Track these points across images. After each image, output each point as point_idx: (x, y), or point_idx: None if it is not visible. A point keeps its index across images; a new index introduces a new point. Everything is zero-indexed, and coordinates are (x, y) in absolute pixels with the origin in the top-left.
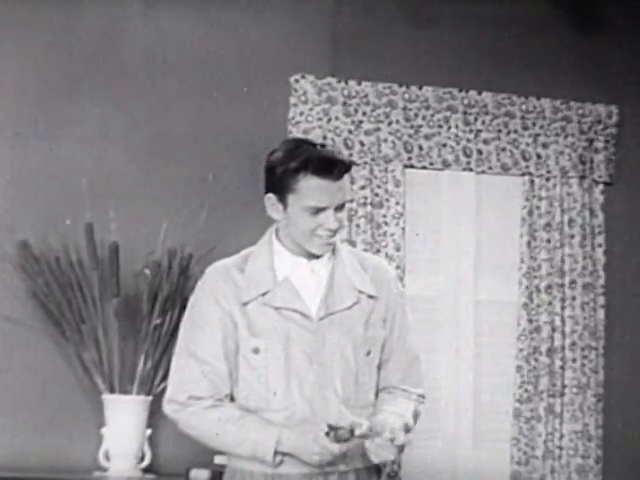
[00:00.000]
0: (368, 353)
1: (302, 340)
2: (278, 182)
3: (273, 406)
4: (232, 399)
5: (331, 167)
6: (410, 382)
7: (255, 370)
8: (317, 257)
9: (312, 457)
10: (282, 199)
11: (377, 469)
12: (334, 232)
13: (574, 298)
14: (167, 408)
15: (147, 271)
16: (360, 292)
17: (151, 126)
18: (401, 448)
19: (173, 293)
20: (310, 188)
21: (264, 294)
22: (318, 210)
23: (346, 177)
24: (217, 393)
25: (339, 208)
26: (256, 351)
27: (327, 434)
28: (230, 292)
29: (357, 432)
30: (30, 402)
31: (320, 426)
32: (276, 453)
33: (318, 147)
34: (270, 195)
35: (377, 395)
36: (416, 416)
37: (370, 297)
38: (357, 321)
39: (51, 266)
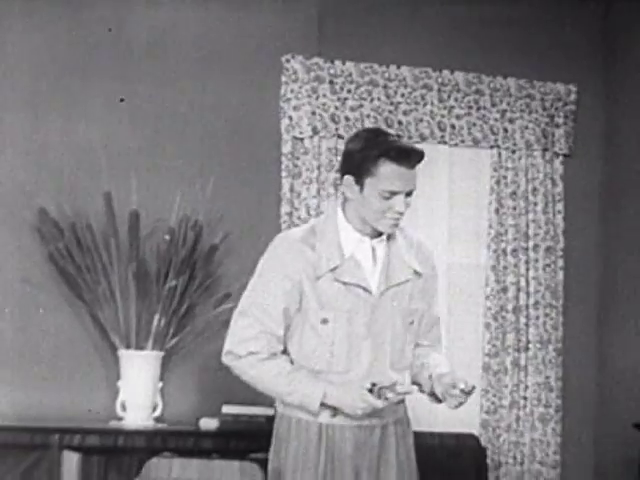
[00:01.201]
0: (411, 322)
1: (363, 312)
2: (358, 166)
3: (334, 369)
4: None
5: (408, 156)
6: (431, 338)
7: (321, 338)
8: (378, 236)
9: (356, 410)
10: (359, 182)
11: (407, 420)
12: (401, 214)
13: (537, 260)
14: (225, 358)
15: (167, 237)
16: (414, 270)
17: (156, 103)
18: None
19: (187, 258)
20: (388, 173)
21: (333, 269)
22: (392, 194)
23: (418, 166)
24: (273, 350)
25: (409, 194)
26: (325, 322)
27: (370, 391)
28: (301, 267)
29: (400, 389)
30: (49, 359)
31: (363, 383)
32: (321, 405)
33: (395, 137)
34: (348, 177)
35: None
36: None
37: (416, 273)
38: (405, 295)
39: (69, 232)
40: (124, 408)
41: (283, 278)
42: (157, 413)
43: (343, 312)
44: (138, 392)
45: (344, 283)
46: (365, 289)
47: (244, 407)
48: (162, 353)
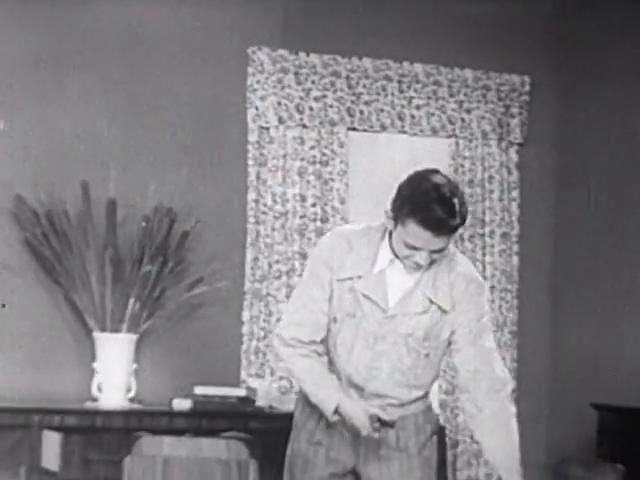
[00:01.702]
0: (427, 355)
1: (371, 326)
2: (394, 209)
3: (336, 366)
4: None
5: (439, 228)
6: (488, 369)
7: (331, 333)
8: None
9: (360, 430)
10: (394, 220)
11: (430, 410)
12: (422, 266)
13: (493, 246)
14: (275, 340)
15: (143, 224)
16: (432, 302)
17: (129, 94)
18: None
19: (161, 244)
20: (414, 232)
21: (359, 277)
22: (414, 248)
23: (453, 234)
24: (313, 337)
25: (436, 252)
26: (334, 320)
27: (371, 418)
28: (334, 264)
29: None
30: (25, 341)
31: (372, 412)
32: (335, 412)
33: (442, 202)
34: (388, 210)
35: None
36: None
37: (440, 309)
38: (421, 326)
39: (46, 218)
40: (100, 389)
41: (325, 268)
42: (131, 394)
43: (353, 319)
44: (113, 374)
45: (363, 294)
46: (380, 307)
47: (215, 388)
48: (136, 336)
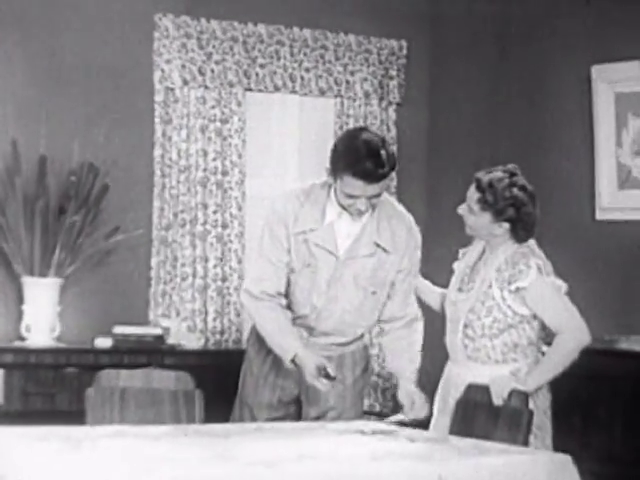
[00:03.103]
0: (374, 293)
1: (326, 273)
2: (333, 165)
3: (293, 309)
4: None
5: (370, 177)
6: (405, 308)
7: (289, 282)
8: None
9: (308, 380)
10: (333, 176)
11: (365, 349)
12: (363, 211)
13: None
14: (242, 296)
15: (73, 178)
16: (377, 246)
17: (49, 58)
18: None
19: (85, 196)
20: (350, 183)
21: (312, 230)
22: (353, 196)
23: (384, 181)
24: (279, 289)
25: (373, 197)
26: (292, 271)
27: (318, 370)
28: (289, 219)
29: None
30: None
31: (319, 363)
32: (292, 361)
33: (371, 156)
34: (327, 168)
35: (383, 320)
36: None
37: (385, 251)
38: (369, 267)
39: None
40: (28, 330)
41: (281, 225)
42: (56, 334)
43: (308, 267)
44: (40, 315)
45: (315, 245)
46: (331, 253)
47: (133, 327)
48: (61, 280)
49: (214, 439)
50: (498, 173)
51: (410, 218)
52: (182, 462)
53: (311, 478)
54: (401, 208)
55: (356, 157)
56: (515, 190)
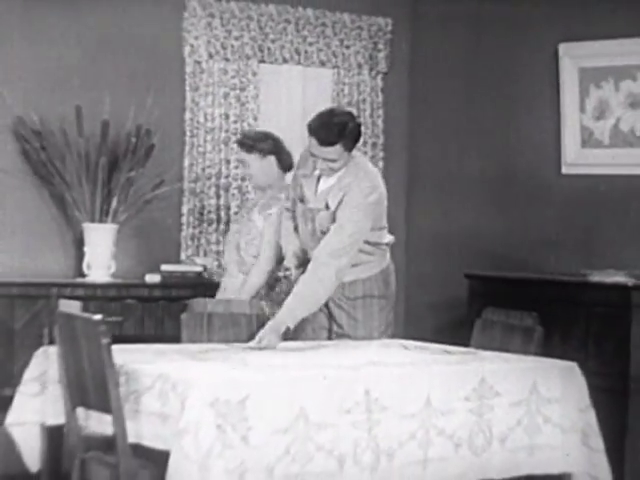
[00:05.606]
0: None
1: (307, 219)
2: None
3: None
4: None
5: (321, 139)
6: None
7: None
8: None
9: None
10: (309, 138)
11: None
12: (325, 170)
13: (366, 153)
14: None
15: (133, 139)
16: (327, 207)
17: (100, 37)
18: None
19: (139, 154)
20: (311, 143)
21: (305, 176)
22: (315, 155)
23: (335, 147)
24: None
25: (329, 160)
26: (295, 219)
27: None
28: (301, 167)
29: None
30: (22, 231)
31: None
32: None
33: (323, 123)
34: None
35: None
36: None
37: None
38: (327, 215)
39: (45, 134)
40: (89, 267)
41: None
42: (112, 271)
43: (301, 202)
44: (98, 255)
45: (304, 187)
46: (311, 210)
47: (177, 265)
48: (117, 225)
49: (295, 352)
50: None
51: (368, 184)
52: (288, 367)
53: (386, 378)
54: (368, 174)
55: (315, 123)
56: None
